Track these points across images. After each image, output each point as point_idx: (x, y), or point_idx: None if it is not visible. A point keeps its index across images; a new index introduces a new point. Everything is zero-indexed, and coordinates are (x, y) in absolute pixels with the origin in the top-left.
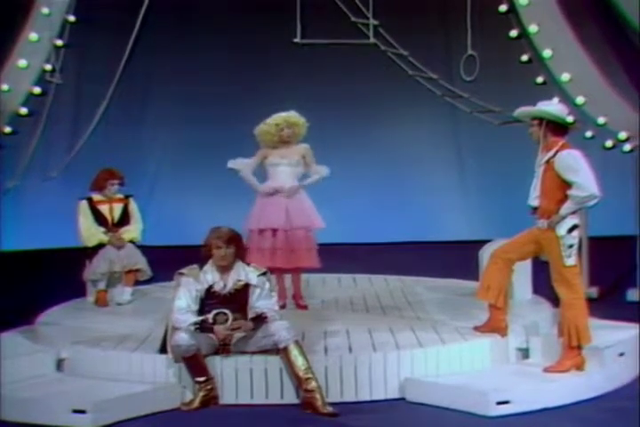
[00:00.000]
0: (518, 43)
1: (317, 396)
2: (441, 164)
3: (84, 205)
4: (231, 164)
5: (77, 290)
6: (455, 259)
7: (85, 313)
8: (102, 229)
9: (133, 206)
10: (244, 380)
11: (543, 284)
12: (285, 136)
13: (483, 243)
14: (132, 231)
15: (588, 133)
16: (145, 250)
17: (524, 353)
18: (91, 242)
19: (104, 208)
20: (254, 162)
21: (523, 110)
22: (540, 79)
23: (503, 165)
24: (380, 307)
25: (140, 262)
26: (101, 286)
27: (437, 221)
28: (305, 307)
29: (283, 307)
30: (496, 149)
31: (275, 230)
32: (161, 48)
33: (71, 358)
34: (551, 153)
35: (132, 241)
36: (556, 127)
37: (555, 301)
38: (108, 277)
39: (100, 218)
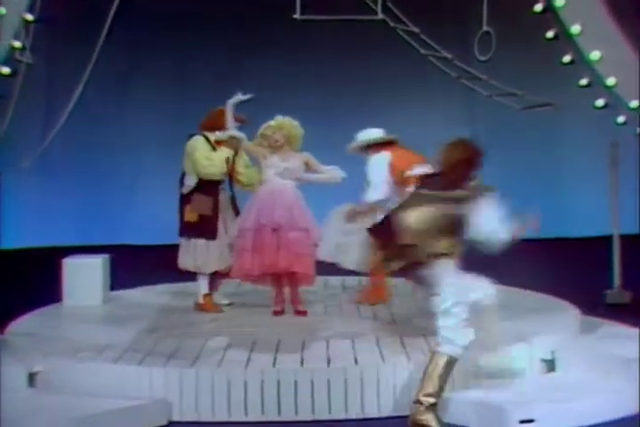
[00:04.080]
0: (542, 18)
1: None
2: None
3: (200, 140)
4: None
5: (51, 295)
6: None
7: (60, 321)
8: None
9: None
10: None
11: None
12: (273, 140)
13: None
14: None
15: (621, 119)
16: (133, 249)
17: (550, 365)
18: (218, 169)
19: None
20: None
21: (353, 147)
22: (567, 58)
23: (524, 155)
24: (389, 313)
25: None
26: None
27: None
28: (304, 313)
29: (281, 312)
30: (517, 136)
31: (275, 229)
32: (144, 24)
33: (45, 372)
34: None
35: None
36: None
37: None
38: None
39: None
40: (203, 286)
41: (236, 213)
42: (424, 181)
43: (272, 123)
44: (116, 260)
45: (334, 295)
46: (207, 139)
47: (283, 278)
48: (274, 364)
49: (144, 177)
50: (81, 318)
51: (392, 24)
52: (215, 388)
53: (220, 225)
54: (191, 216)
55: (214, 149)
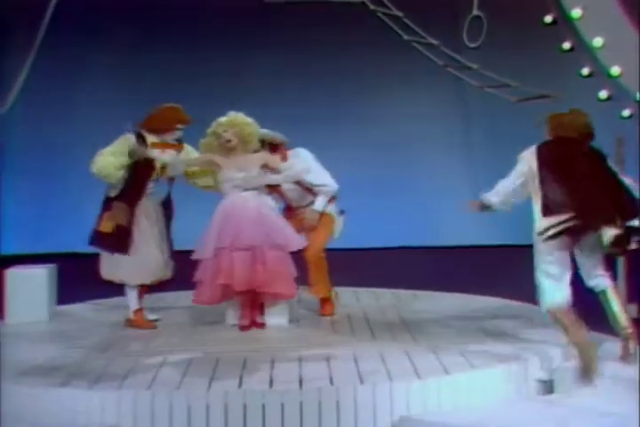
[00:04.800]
0: (539, 0)
1: None
2: (445, 149)
3: (131, 139)
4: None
5: None
6: (464, 266)
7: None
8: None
9: (188, 151)
10: None
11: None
12: (225, 140)
13: (495, 248)
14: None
15: (626, 112)
16: (82, 258)
17: (547, 386)
18: (112, 172)
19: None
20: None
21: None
22: (566, 45)
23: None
24: (368, 328)
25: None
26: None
27: (443, 223)
28: (261, 325)
29: (248, 327)
30: (513, 131)
31: (251, 248)
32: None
33: None
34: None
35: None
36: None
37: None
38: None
39: (148, 165)
40: (132, 300)
41: (168, 217)
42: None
43: (223, 120)
44: (63, 270)
45: (307, 307)
46: (143, 139)
47: (254, 294)
48: (239, 385)
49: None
50: (23, 336)
51: (372, 7)
52: (174, 412)
53: (142, 235)
54: (106, 226)
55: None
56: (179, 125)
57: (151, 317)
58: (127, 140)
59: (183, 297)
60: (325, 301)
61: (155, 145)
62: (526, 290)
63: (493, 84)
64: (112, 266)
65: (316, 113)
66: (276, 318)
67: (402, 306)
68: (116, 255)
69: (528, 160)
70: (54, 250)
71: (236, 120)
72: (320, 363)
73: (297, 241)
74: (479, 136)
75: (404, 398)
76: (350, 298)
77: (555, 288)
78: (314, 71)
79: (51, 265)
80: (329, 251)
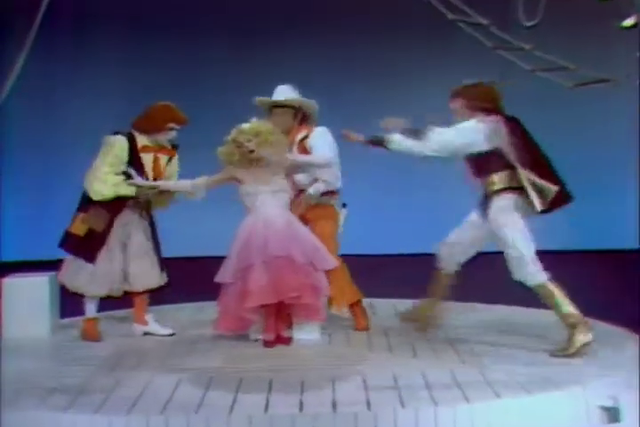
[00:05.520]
0: None
1: None
2: None
3: (120, 141)
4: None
5: None
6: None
7: None
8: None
9: (176, 159)
10: None
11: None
12: (248, 150)
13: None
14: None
15: (628, 22)
16: None
17: (612, 414)
18: (104, 191)
19: (146, 157)
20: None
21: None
22: (628, 22)
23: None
24: (408, 343)
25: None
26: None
27: None
28: (287, 340)
29: (273, 343)
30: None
31: (280, 258)
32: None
33: None
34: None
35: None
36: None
37: None
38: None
39: (137, 169)
40: (87, 308)
41: (150, 221)
42: None
43: (245, 127)
44: None
45: (340, 321)
46: (133, 140)
47: (281, 305)
48: (266, 408)
49: None
50: (23, 352)
51: None
52: None
53: (111, 245)
54: (80, 228)
55: (136, 157)
56: (172, 125)
57: (164, 331)
58: (118, 141)
59: (201, 309)
60: (356, 313)
61: (146, 148)
62: (577, 302)
63: (548, 66)
64: (72, 272)
65: (345, 104)
66: (305, 332)
67: (443, 319)
68: (80, 261)
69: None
70: (55, 256)
71: (260, 128)
72: (355, 384)
73: (331, 260)
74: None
75: (451, 424)
76: (388, 309)
77: (537, 260)
78: (340, 60)
79: (52, 273)
80: (356, 257)
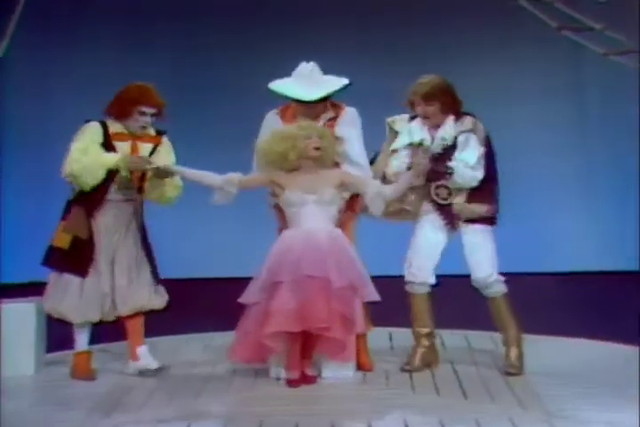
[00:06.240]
0: None
1: None
2: (554, 139)
3: (93, 126)
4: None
5: None
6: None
7: None
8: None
9: (168, 149)
10: None
11: None
12: (313, 148)
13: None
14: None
15: None
16: None
17: None
18: (93, 175)
19: (122, 146)
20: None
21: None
22: None
23: None
24: (458, 384)
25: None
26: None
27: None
28: (313, 379)
29: (298, 382)
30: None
31: (313, 279)
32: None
33: None
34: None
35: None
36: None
37: None
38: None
39: None
40: (77, 339)
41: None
42: None
43: (306, 123)
44: None
45: (377, 355)
46: (105, 127)
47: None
48: None
49: None
50: (4, 394)
51: None
52: None
53: (103, 255)
54: (63, 240)
55: (109, 144)
56: (142, 108)
57: (153, 365)
58: (92, 128)
59: (213, 339)
60: (359, 347)
61: (120, 136)
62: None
63: (621, 49)
64: (56, 296)
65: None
66: (336, 368)
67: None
68: (64, 282)
69: None
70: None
71: (325, 132)
72: None
73: (373, 290)
74: (595, 120)
75: None
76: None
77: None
78: (402, 42)
79: (38, 298)
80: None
